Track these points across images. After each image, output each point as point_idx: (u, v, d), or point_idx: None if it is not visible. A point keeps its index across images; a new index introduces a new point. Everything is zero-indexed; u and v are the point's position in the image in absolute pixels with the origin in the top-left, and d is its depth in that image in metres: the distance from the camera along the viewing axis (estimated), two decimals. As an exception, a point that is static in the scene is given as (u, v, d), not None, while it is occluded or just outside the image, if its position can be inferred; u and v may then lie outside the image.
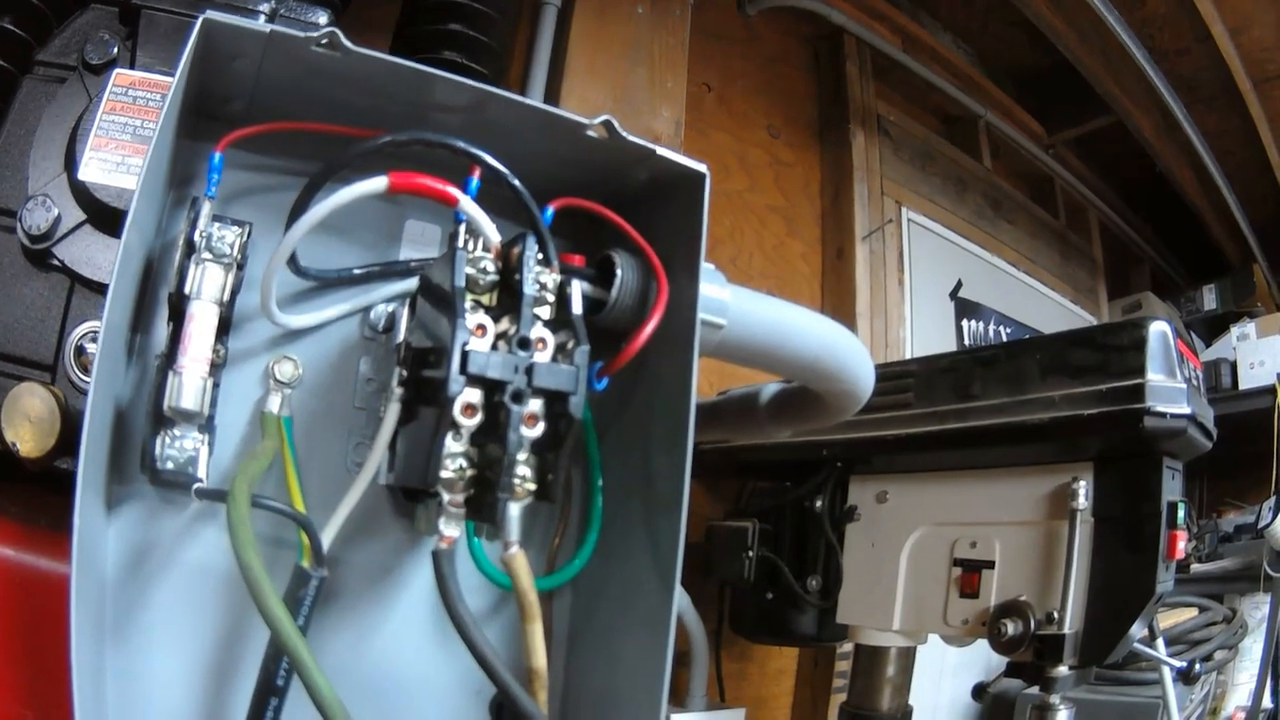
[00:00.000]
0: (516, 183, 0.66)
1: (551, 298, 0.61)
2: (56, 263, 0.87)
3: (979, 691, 2.30)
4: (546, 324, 0.60)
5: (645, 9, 2.25)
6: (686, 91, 2.30)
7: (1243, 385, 3.71)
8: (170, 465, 0.64)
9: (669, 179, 0.76)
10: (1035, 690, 1.32)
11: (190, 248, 0.65)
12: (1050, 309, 3.62)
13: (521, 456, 0.57)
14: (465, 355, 0.55)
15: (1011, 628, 1.26)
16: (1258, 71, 3.31)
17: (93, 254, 0.87)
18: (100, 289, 0.88)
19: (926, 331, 2.98)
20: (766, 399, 1.13)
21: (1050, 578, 1.27)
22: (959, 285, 3.18)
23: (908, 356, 2.76)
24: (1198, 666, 2.10)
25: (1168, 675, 2.10)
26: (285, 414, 0.71)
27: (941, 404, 1.42)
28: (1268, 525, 3.19)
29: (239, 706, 0.66)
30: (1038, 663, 1.26)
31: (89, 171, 0.86)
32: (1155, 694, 2.20)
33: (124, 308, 0.64)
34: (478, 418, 0.57)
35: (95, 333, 0.86)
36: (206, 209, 0.66)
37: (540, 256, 0.61)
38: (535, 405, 0.58)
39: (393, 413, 0.63)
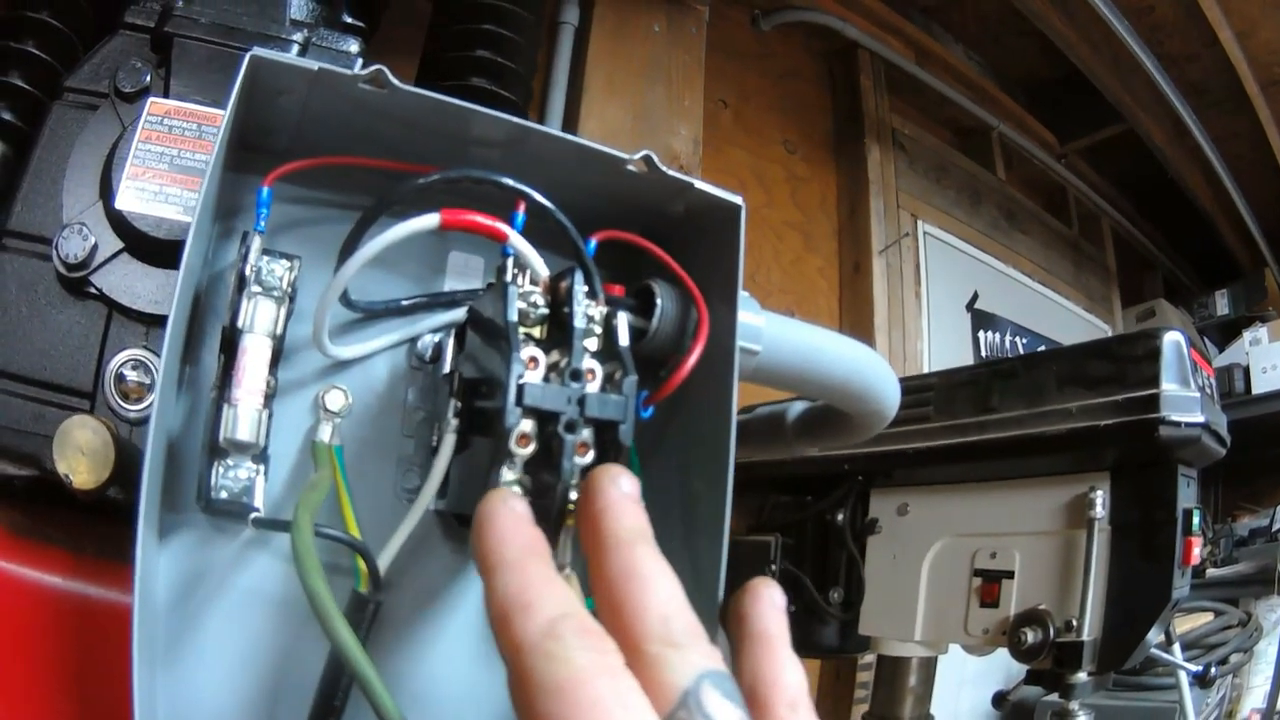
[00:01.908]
0: (563, 218, 0.67)
1: (599, 329, 0.63)
2: (94, 290, 0.88)
3: (999, 700, 2.32)
4: (594, 355, 0.61)
5: (662, 27, 2.26)
6: (703, 109, 2.30)
7: (1256, 389, 3.72)
8: (225, 495, 0.66)
9: (704, 209, 0.77)
10: (1054, 697, 1.34)
11: (242, 281, 0.67)
12: (1065, 318, 3.63)
13: (574, 482, 0.58)
14: (521, 388, 0.56)
15: (1031, 636, 1.27)
16: (1265, 74, 3.32)
17: (131, 282, 0.89)
18: (139, 317, 0.89)
19: (944, 344, 2.99)
20: (793, 417, 1.14)
21: (1069, 586, 1.28)
22: (975, 297, 3.20)
23: (925, 369, 2.77)
24: (1213, 670, 2.12)
25: (1184, 679, 2.12)
26: (336, 443, 0.72)
27: (961, 417, 1.43)
28: (1281, 528, 3.19)
29: (294, 729, 0.68)
30: (1057, 670, 1.28)
31: (126, 200, 0.87)
32: (1172, 698, 2.22)
33: (179, 340, 0.66)
34: (531, 447, 0.58)
35: (135, 360, 0.88)
36: (257, 243, 0.68)
37: (586, 289, 0.63)
38: (586, 434, 0.59)
39: (449, 443, 0.65)
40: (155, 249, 0.88)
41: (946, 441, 1.46)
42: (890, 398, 0.97)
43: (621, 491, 0.56)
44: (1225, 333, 4.15)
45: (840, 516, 1.62)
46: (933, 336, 3.00)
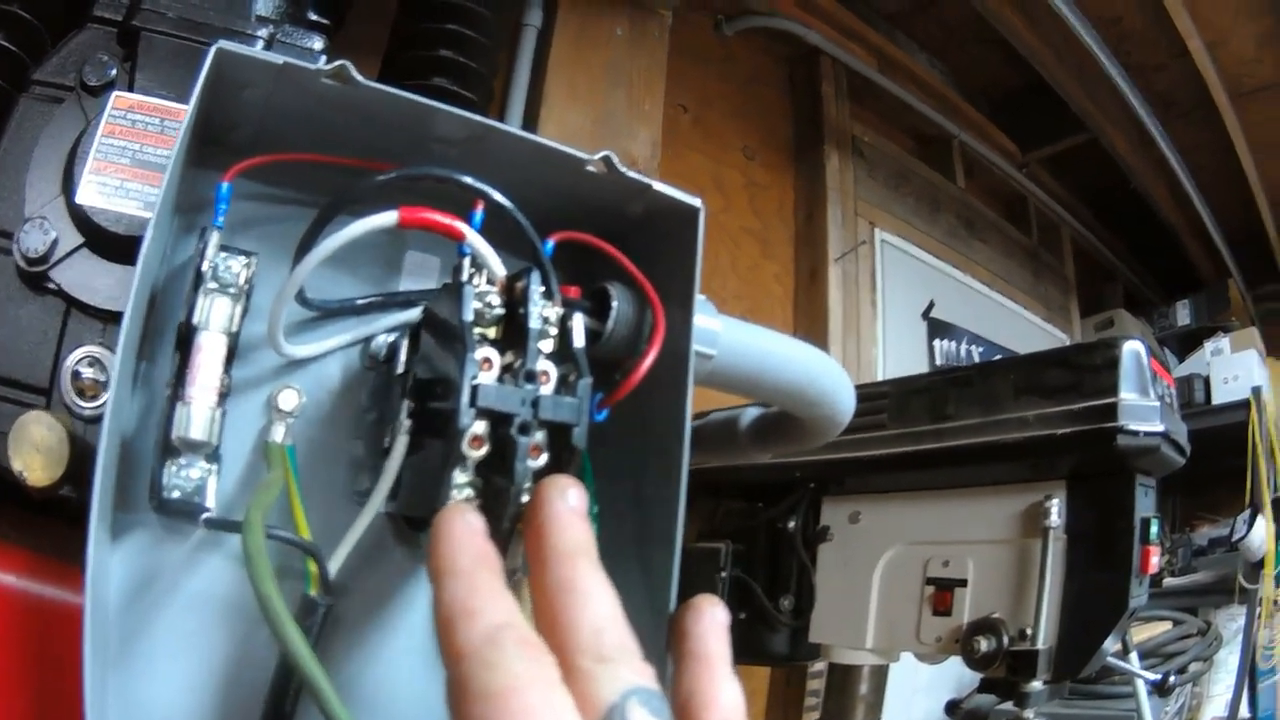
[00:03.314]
0: (521, 218, 0.67)
1: (554, 331, 0.62)
2: (53, 286, 0.88)
3: (952, 708, 2.32)
4: (549, 356, 0.61)
5: (624, 30, 2.26)
6: (663, 113, 2.30)
7: (1216, 400, 3.75)
8: (177, 494, 0.65)
9: (662, 211, 0.77)
10: (1010, 705, 1.34)
11: (199, 278, 0.66)
12: (1023, 328, 3.65)
13: (526, 485, 0.58)
14: (475, 389, 0.56)
15: (985, 644, 1.27)
16: (1235, 85, 3.34)
17: (90, 278, 0.88)
18: (96, 314, 0.88)
19: (899, 352, 3.00)
20: (747, 423, 1.14)
21: (1023, 595, 1.29)
22: (931, 305, 3.21)
23: (880, 377, 2.78)
24: (1172, 679, 2.12)
25: (1141, 688, 2.13)
26: (289, 443, 0.72)
27: (916, 425, 1.44)
28: (1242, 538, 3.23)
29: (244, 733, 0.68)
30: (1011, 678, 1.28)
31: (87, 195, 0.86)
32: (1129, 707, 2.22)
33: (135, 336, 0.65)
34: (485, 449, 0.58)
35: (91, 357, 0.87)
36: (214, 239, 0.67)
37: (543, 290, 0.62)
38: (539, 437, 0.59)
39: (401, 444, 0.64)
40: (114, 245, 0.87)
41: (901, 449, 1.47)
42: (845, 403, 0.97)
43: (567, 505, 0.56)
44: (1186, 343, 4.19)
45: (791, 523, 1.63)
46: (888, 344, 3.01)
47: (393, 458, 0.64)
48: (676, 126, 2.66)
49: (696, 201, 0.75)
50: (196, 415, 0.64)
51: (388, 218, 0.62)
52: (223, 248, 0.68)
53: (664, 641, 0.66)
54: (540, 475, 0.59)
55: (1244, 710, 3.07)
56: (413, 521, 0.67)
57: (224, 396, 0.67)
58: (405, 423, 0.64)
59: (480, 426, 0.58)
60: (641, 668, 0.50)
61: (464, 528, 0.53)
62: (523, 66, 2.14)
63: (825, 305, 2.85)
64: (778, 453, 1.17)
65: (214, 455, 0.67)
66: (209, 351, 0.65)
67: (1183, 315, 4.34)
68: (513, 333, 0.62)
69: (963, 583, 1.38)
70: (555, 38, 2.18)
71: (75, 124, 0.93)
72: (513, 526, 0.58)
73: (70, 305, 0.88)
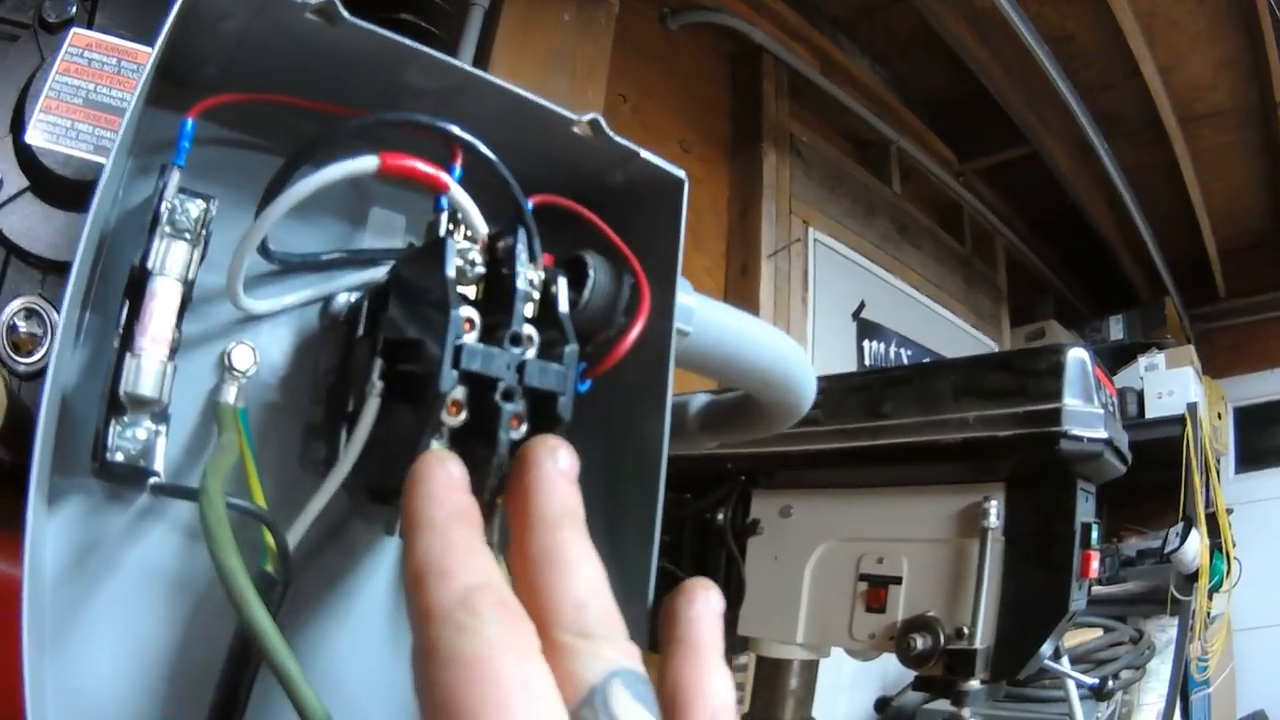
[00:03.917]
0: (506, 173, 0.64)
1: (536, 295, 0.59)
2: (-6, 232, 0.84)
3: (882, 705, 2.32)
4: (530, 321, 0.58)
5: (571, 16, 2.24)
6: (604, 103, 2.28)
7: (1149, 414, 3.80)
8: (122, 457, 0.60)
9: (642, 182, 0.75)
10: (936, 704, 1.34)
11: (156, 219, 0.62)
12: (952, 333, 3.69)
13: (505, 454, 0.54)
14: (459, 349, 0.52)
15: (921, 642, 1.27)
16: (1186, 110, 3.38)
17: (32, 224, 0.84)
18: (36, 262, 0.84)
19: (828, 350, 3.02)
20: (696, 409, 1.12)
21: (959, 594, 1.28)
22: (862, 306, 3.23)
23: (811, 375, 2.77)
24: (1110, 683, 2.13)
25: (1074, 692, 2.14)
26: (240, 405, 0.68)
27: (851, 421, 1.44)
28: (1174, 550, 3.26)
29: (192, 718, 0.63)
30: (949, 677, 1.27)
31: (35, 135, 0.83)
32: (1060, 710, 2.23)
33: (85, 280, 0.61)
34: (462, 416, 0.54)
35: (29, 309, 0.83)
36: (175, 178, 0.63)
37: (526, 252, 0.59)
38: (521, 406, 0.56)
39: (372, 408, 0.60)
40: (60, 189, 0.84)
41: (836, 445, 1.46)
42: (808, 391, 0.96)
43: (557, 467, 0.53)
44: (1117, 357, 4.25)
45: (720, 516, 1.60)
46: (817, 343, 3.02)
47: (362, 423, 0.60)
48: (616, 116, 2.63)
49: (681, 173, 0.72)
50: (147, 368, 0.59)
51: (367, 163, 0.59)
52: (181, 190, 0.64)
53: (644, 638, 0.63)
54: (517, 448, 0.56)
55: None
56: (376, 493, 0.63)
57: (174, 352, 0.63)
58: (378, 384, 0.59)
59: (460, 392, 0.54)
60: (627, 647, 0.47)
61: (444, 478, 0.50)
62: (468, 46, 2.10)
63: (756, 301, 2.85)
64: (727, 440, 1.15)
65: (162, 415, 0.62)
66: (163, 299, 0.61)
67: (1115, 330, 4.41)
68: (493, 295, 0.59)
69: (897, 580, 1.37)
70: (502, 19, 2.15)
71: (30, 62, 0.89)
72: (493, 500, 0.55)
73: (10, 253, 0.84)
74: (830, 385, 1.49)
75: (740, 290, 2.92)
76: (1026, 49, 2.94)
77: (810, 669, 1.65)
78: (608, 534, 0.73)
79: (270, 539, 0.63)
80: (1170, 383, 3.85)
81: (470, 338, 0.55)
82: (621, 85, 2.68)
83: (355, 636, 0.73)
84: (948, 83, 3.68)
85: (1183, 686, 3.24)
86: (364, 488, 0.64)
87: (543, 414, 0.57)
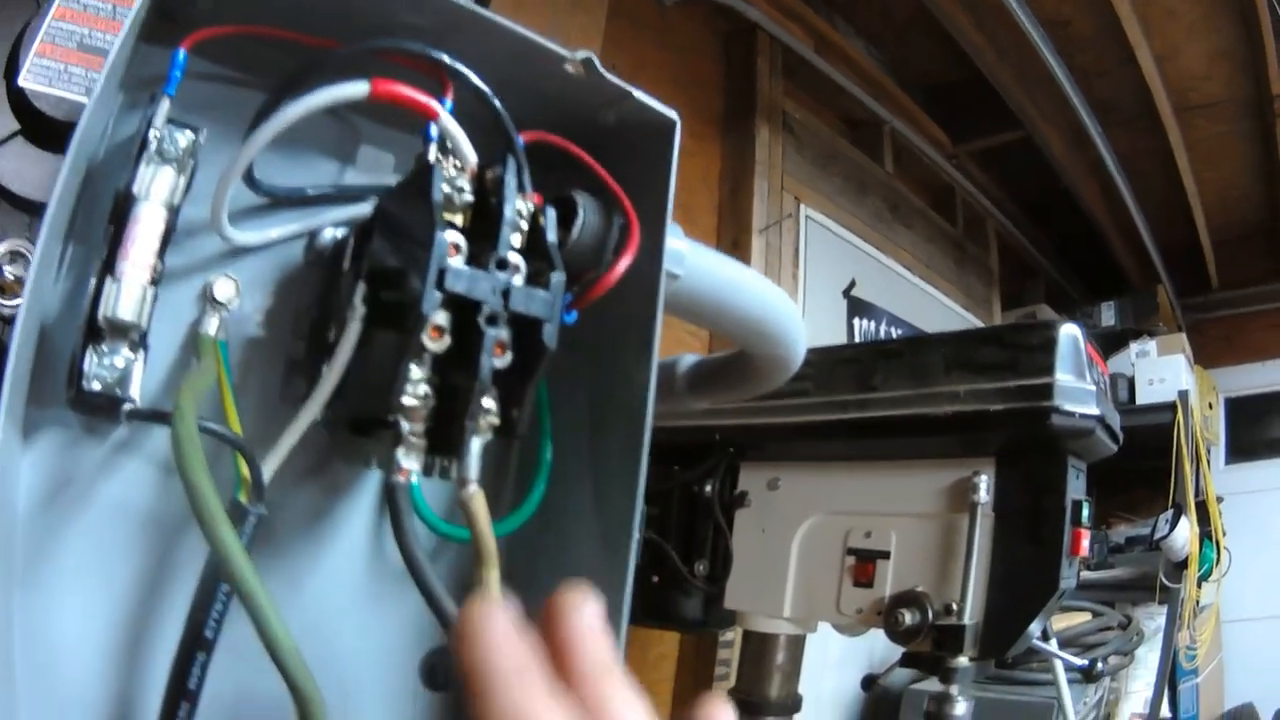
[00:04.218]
0: (498, 104, 0.63)
1: (525, 225, 0.58)
2: (-16, 173, 0.83)
3: (869, 683, 2.31)
4: (518, 251, 0.57)
5: (564, -12, 2.22)
6: (596, 76, 2.26)
7: (1140, 401, 3.79)
8: (98, 385, 0.60)
9: (635, 124, 0.74)
10: (924, 685, 1.33)
11: (143, 146, 0.62)
12: (943, 314, 3.68)
13: (489, 385, 0.54)
14: (443, 271, 0.52)
15: (909, 617, 1.26)
16: (1181, 99, 3.37)
17: (23, 167, 0.84)
18: (25, 205, 0.84)
19: (818, 328, 3.01)
20: (684, 369, 1.11)
21: (948, 569, 1.28)
22: (853, 284, 3.22)
23: (801, 348, 2.76)
24: (1100, 665, 2.12)
25: (1062, 675, 2.13)
26: (221, 338, 0.67)
27: (841, 394, 1.42)
28: (1164, 536, 3.25)
29: (159, 662, 0.63)
30: (937, 653, 1.25)
31: (28, 78, 0.82)
32: (1048, 694, 2.22)
33: (67, 207, 0.60)
34: (445, 341, 0.54)
35: (14, 252, 0.82)
36: (165, 106, 0.63)
37: (516, 184, 0.58)
38: (506, 333, 0.55)
39: (353, 333, 0.59)
40: (52, 131, 0.83)
41: (825, 417, 1.44)
42: (799, 346, 0.96)
43: (585, 623, 0.52)
44: (1109, 343, 4.22)
45: (708, 488, 1.59)
46: (808, 319, 2.98)
47: (343, 348, 0.59)
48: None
49: (673, 114, 0.72)
50: (127, 293, 0.59)
51: (359, 89, 0.58)
52: (170, 120, 0.63)
53: (619, 591, 0.63)
54: (503, 378, 0.55)
55: (1165, 710, 3.10)
56: (359, 427, 0.62)
57: (156, 283, 0.62)
58: (360, 308, 0.58)
59: (442, 317, 0.53)
60: None
61: (501, 627, 0.49)
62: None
63: (746, 275, 2.83)
64: (716, 400, 1.15)
65: (141, 343, 0.62)
66: (147, 224, 0.60)
67: (1107, 316, 4.39)
68: (481, 224, 0.58)
69: (885, 554, 1.35)
70: (494, -10, 2.14)
71: (28, 7, 0.88)
72: (474, 428, 0.54)
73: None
74: (820, 357, 1.48)
75: (730, 265, 2.92)
76: (1022, 33, 2.93)
77: (797, 644, 1.64)
78: (593, 480, 0.73)
79: (244, 467, 0.62)
80: (1161, 369, 3.83)
81: (456, 262, 0.54)
82: (614, 58, 2.67)
83: (335, 579, 0.73)
84: (943, 65, 3.67)
85: (1171, 675, 3.23)
86: (345, 421, 0.63)
87: (528, 344, 0.56)
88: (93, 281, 0.61)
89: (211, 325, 0.67)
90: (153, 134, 0.62)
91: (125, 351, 0.61)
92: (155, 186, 0.61)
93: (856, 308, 3.25)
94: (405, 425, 0.55)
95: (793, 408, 1.46)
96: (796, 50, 3.16)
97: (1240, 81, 3.45)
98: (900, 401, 1.36)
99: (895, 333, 3.39)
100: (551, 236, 0.59)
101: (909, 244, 3.62)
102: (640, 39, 2.82)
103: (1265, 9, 3.01)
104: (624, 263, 0.65)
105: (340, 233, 0.71)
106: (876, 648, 2.53)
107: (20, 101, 0.82)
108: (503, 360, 0.55)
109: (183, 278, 0.68)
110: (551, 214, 0.60)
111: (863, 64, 3.51)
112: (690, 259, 0.77)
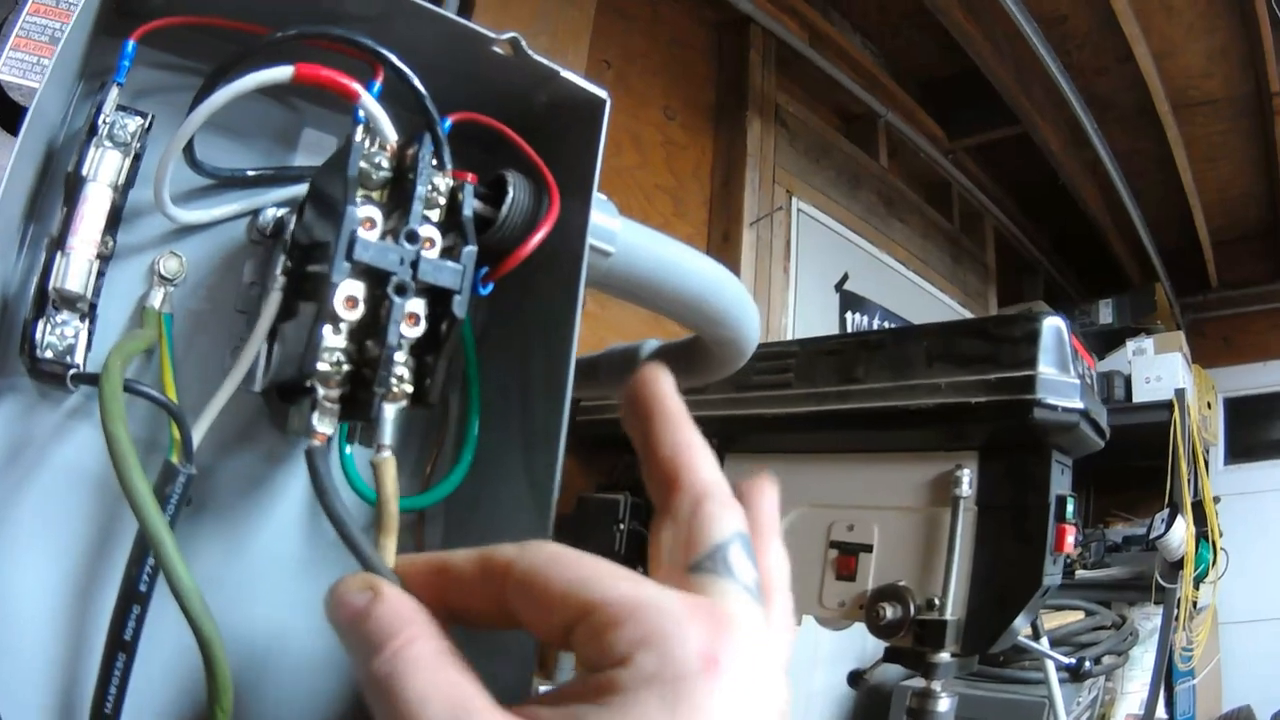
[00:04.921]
0: (418, 84, 0.66)
1: (443, 201, 0.61)
2: (-42, 164, 0.86)
3: (855, 679, 2.33)
4: (435, 225, 0.60)
5: (554, -20, 2.24)
6: (586, 67, 2.29)
7: (1137, 399, 3.78)
8: (50, 354, 0.63)
9: (569, 104, 0.77)
10: (913, 681, 1.33)
11: (93, 130, 0.65)
12: (938, 309, 3.68)
13: (400, 356, 0.57)
14: (352, 242, 0.55)
15: (890, 611, 1.27)
16: (1179, 97, 3.38)
17: (-4, 156, 0.87)
18: (1, 194, 0.87)
19: (810, 320, 3.02)
20: (648, 353, 1.13)
21: (931, 564, 1.29)
22: (845, 278, 3.23)
23: (790, 340, 2.77)
24: (1087, 664, 2.13)
25: (1053, 673, 2.14)
26: (166, 311, 0.70)
27: (823, 385, 1.43)
28: (1160, 536, 3.25)
29: (106, 615, 0.65)
30: (919, 648, 1.27)
31: (4, 71, 0.86)
32: (1040, 693, 2.23)
33: (24, 182, 0.63)
34: (359, 311, 0.56)
35: (-14, 240, 0.85)
36: (114, 93, 0.66)
37: (435, 161, 0.61)
38: (418, 305, 0.58)
39: (273, 302, 0.63)
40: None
41: (807, 409, 1.46)
42: (749, 327, 0.97)
43: (668, 384, 0.61)
44: (1106, 341, 4.22)
45: (693, 479, 1.60)
46: (799, 312, 3.02)
47: (264, 316, 0.63)
48: (598, 81, 2.65)
49: (603, 93, 0.75)
50: (75, 266, 0.62)
51: (283, 72, 0.62)
52: (120, 107, 0.67)
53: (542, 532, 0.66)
54: (416, 347, 0.59)
55: (1161, 710, 3.10)
56: (285, 394, 0.65)
57: (105, 260, 0.66)
58: (279, 279, 0.62)
59: (357, 288, 0.56)
60: (743, 517, 0.56)
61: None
62: (450, 5, 2.11)
63: (737, 268, 2.84)
64: (681, 385, 1.16)
65: (90, 314, 0.65)
66: (94, 203, 0.64)
67: (1105, 314, 4.37)
68: (399, 199, 0.61)
69: (868, 548, 1.37)
70: (485, -20, 2.16)
71: (6, 2, 0.91)
72: (384, 397, 0.57)
73: (-33, 186, 0.87)
74: (803, 349, 1.49)
75: (722, 257, 2.90)
76: (1018, 28, 2.94)
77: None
78: (521, 442, 0.75)
79: (175, 429, 0.65)
80: (1158, 367, 3.82)
81: (370, 235, 0.57)
82: (605, 51, 2.69)
83: (270, 549, 0.76)
84: (937, 60, 3.68)
85: (1167, 676, 3.23)
86: (275, 390, 0.66)
87: (440, 313, 0.59)
88: (42, 256, 0.64)
89: (157, 299, 0.70)
90: (102, 119, 0.65)
91: (75, 322, 0.64)
92: (103, 169, 0.64)
93: (849, 302, 3.26)
94: (320, 391, 0.57)
95: (775, 399, 1.48)
96: (789, 43, 3.17)
97: (1239, 80, 3.46)
98: (882, 394, 1.38)
99: (888, 327, 3.38)
100: (468, 211, 0.61)
101: (904, 239, 3.63)
102: (630, 31, 2.84)
103: (1264, 6, 3.01)
104: (539, 235, 0.68)
105: (281, 212, 0.74)
106: (867, 644, 2.53)
107: (-4, 93, 0.86)
108: (414, 330, 0.58)
109: (133, 255, 0.71)
110: (469, 189, 0.62)
111: (857, 57, 3.52)
112: (624, 237, 0.80)
